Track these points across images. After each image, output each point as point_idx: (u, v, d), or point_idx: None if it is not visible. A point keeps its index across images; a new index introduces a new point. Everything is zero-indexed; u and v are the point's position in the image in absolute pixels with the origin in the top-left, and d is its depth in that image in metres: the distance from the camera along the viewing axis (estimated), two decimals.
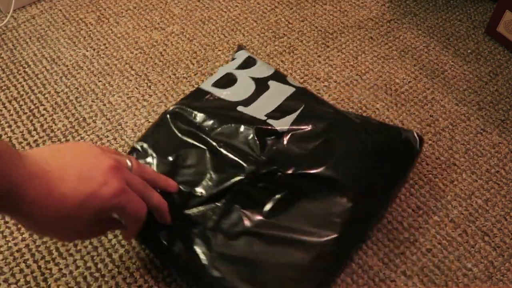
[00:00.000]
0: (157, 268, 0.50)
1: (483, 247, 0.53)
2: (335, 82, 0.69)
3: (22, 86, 0.68)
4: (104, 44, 0.74)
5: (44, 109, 0.65)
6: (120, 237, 0.53)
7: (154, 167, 0.50)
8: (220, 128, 0.52)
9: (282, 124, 0.52)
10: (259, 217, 0.47)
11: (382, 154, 0.51)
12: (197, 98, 0.56)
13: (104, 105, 0.66)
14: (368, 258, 0.51)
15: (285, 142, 0.51)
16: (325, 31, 0.76)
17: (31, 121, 0.64)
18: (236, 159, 0.49)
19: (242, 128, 0.51)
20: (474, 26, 0.77)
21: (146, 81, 0.69)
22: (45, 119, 0.64)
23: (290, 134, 0.51)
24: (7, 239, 0.53)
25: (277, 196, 0.48)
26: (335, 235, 0.45)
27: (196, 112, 0.53)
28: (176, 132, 0.52)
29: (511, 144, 0.62)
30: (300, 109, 0.54)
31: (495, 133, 0.63)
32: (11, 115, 0.65)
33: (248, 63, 0.61)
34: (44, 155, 0.37)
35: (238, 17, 0.78)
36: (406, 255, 0.52)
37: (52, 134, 0.63)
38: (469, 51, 0.73)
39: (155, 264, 0.51)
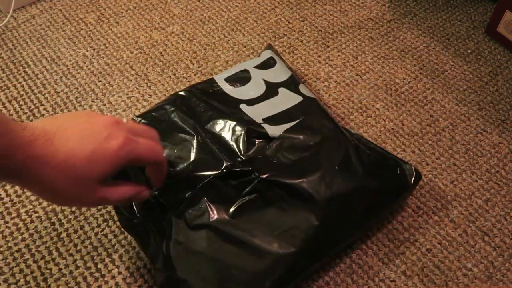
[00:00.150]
0: None
1: (483, 247, 0.53)
2: (335, 82, 0.69)
3: (22, 86, 0.68)
4: (104, 44, 0.74)
5: (44, 109, 0.65)
6: (120, 237, 0.53)
7: None
8: (215, 121, 0.53)
9: (275, 130, 0.52)
10: (223, 215, 0.46)
11: (367, 181, 0.50)
12: (207, 87, 0.57)
13: (104, 105, 0.66)
14: (368, 258, 0.51)
15: (272, 148, 0.51)
16: (325, 31, 0.76)
17: (31, 121, 0.64)
18: (219, 153, 0.49)
19: (235, 126, 0.52)
20: (474, 26, 0.77)
21: (146, 81, 0.69)
22: None
23: (279, 141, 0.51)
24: (7, 239, 0.53)
25: (247, 198, 0.47)
26: (292, 250, 0.45)
27: (200, 101, 0.55)
28: (175, 115, 0.53)
29: (511, 144, 0.62)
30: (299, 119, 0.54)
31: (495, 133, 0.63)
32: (11, 115, 0.65)
33: (266, 64, 0.61)
34: (43, 122, 0.37)
35: (238, 17, 0.78)
36: (406, 255, 0.52)
37: None
38: (469, 51, 0.73)
39: None
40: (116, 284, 0.50)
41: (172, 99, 0.56)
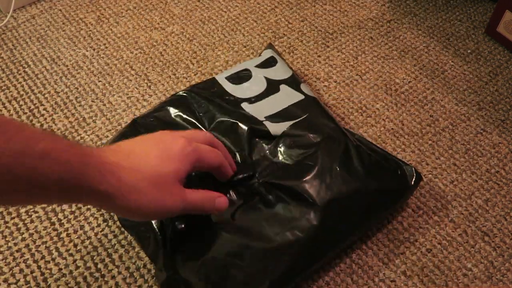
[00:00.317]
0: None
1: (483, 247, 0.53)
2: (335, 82, 0.69)
3: (22, 86, 0.68)
4: (104, 44, 0.74)
5: (44, 109, 0.65)
6: (120, 237, 0.53)
7: None
8: (217, 121, 0.53)
9: (277, 128, 0.52)
10: (224, 216, 0.47)
11: (367, 182, 0.50)
12: (208, 87, 0.58)
13: (104, 105, 0.66)
14: (368, 258, 0.51)
15: (273, 147, 0.51)
16: (325, 31, 0.76)
17: (31, 121, 0.64)
18: None
19: (238, 126, 0.52)
20: (474, 26, 0.77)
21: (146, 81, 0.69)
22: (45, 119, 0.64)
23: (282, 140, 0.51)
24: (7, 239, 0.53)
25: (248, 199, 0.48)
26: (292, 250, 0.45)
27: (202, 101, 0.55)
28: (177, 115, 0.54)
29: (511, 144, 0.62)
30: (301, 117, 0.54)
31: (495, 133, 0.63)
32: (11, 115, 0.65)
33: (267, 63, 0.61)
34: (119, 149, 0.40)
35: (238, 17, 0.78)
36: (406, 255, 0.52)
37: None
38: (469, 51, 0.73)
39: None
40: (116, 284, 0.50)
41: (173, 99, 0.56)
